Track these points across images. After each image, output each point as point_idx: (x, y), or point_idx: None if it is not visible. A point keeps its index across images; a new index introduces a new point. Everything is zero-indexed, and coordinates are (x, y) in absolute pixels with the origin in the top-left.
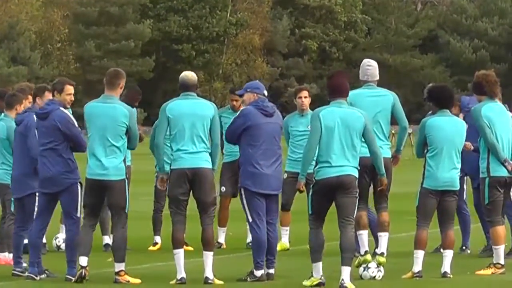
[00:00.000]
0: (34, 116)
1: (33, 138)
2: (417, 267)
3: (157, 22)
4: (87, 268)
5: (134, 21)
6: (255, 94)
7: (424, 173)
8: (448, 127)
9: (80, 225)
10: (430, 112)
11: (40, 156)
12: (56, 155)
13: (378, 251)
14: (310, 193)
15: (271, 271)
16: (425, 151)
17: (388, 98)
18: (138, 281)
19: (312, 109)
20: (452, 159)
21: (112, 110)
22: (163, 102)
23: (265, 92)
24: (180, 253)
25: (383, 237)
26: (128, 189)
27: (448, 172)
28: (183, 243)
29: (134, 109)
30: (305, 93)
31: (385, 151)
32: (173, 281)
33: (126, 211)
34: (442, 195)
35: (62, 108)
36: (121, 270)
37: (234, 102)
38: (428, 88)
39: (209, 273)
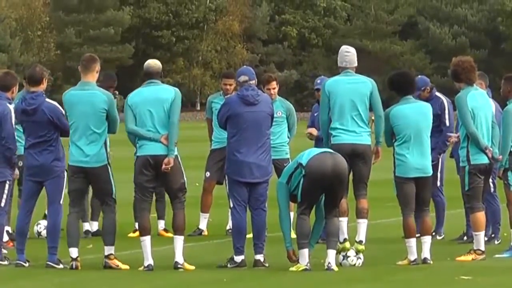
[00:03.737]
0: (12, 108)
1: (12, 127)
2: (412, 255)
3: (137, 8)
4: (78, 259)
5: (114, 8)
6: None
7: (395, 162)
8: (412, 114)
9: (63, 213)
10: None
11: (29, 148)
12: (47, 145)
13: (357, 238)
14: (301, 182)
15: (258, 257)
16: (394, 140)
17: (367, 85)
18: (126, 267)
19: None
20: (421, 145)
21: (91, 97)
22: None
23: (243, 78)
24: (146, 240)
25: (362, 224)
26: (111, 174)
27: (419, 159)
28: (150, 230)
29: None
30: (273, 85)
31: (364, 137)
32: (141, 268)
33: (114, 196)
34: (416, 182)
35: (48, 99)
36: (111, 254)
37: (228, 87)
38: (388, 76)
39: (179, 257)
